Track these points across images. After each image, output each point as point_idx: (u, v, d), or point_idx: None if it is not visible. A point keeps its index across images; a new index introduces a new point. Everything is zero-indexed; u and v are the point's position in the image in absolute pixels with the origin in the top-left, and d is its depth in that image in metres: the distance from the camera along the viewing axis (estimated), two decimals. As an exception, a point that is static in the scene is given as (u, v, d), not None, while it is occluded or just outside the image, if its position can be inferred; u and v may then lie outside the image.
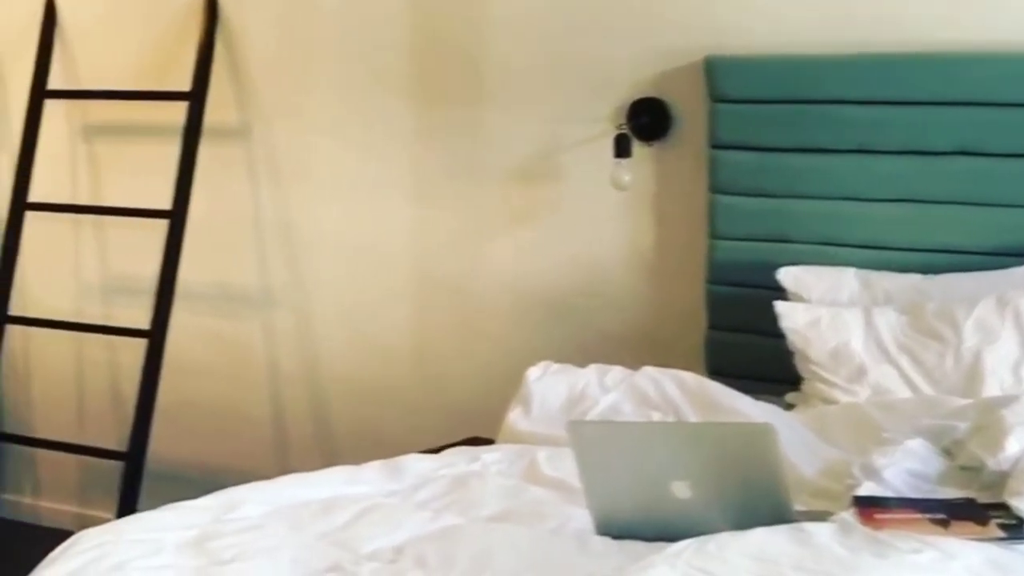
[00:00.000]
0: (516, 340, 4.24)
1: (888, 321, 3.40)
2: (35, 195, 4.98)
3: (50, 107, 4.99)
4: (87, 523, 5.16)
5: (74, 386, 5.13)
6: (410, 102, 4.41)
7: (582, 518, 2.64)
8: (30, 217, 5.00)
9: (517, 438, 3.28)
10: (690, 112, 3.94)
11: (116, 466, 4.75)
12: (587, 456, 2.61)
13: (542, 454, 3.03)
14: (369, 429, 4.54)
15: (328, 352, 4.63)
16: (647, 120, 3.98)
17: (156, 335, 4.64)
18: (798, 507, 2.60)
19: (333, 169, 4.58)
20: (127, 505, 4.61)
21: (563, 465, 2.92)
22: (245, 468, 4.77)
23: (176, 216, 4.67)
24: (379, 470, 2.98)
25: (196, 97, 4.66)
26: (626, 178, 3.95)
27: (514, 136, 4.23)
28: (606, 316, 4.10)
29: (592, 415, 3.25)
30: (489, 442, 4.01)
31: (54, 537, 5.02)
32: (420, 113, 4.40)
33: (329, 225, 4.59)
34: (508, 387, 4.20)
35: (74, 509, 5.14)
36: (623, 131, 3.96)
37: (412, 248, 4.45)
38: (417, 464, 3.04)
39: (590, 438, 2.62)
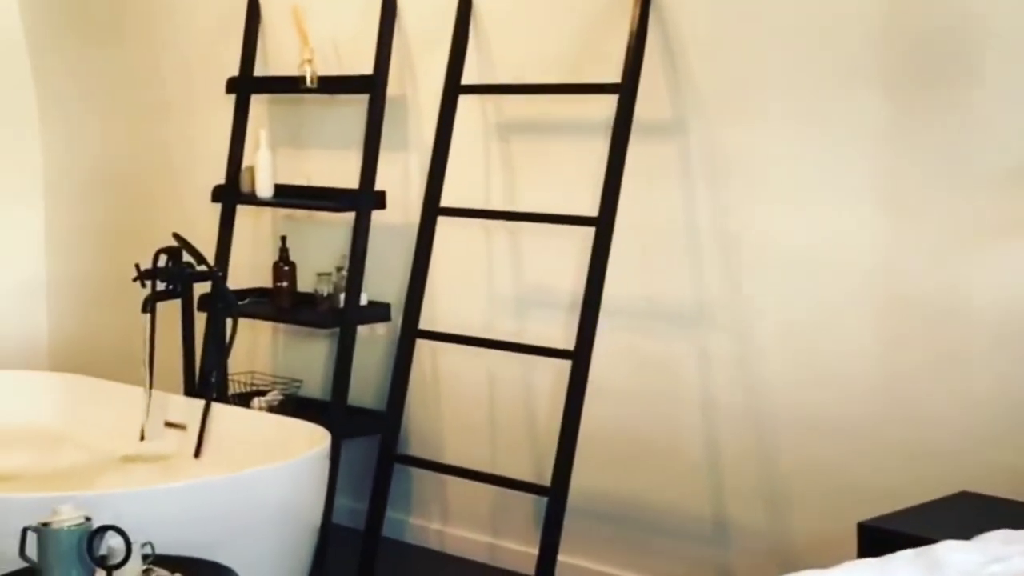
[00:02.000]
0: (1020, 377, 3.43)
1: None
2: (447, 198, 4.49)
3: (464, 103, 4.48)
4: (499, 556, 4.68)
5: (485, 406, 4.61)
6: (880, 89, 3.66)
7: None
8: (442, 222, 4.51)
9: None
10: None
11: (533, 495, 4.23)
12: None
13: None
14: (825, 474, 3.81)
15: (773, 381, 3.93)
16: None
17: (581, 357, 4.05)
18: None
19: (784, 170, 3.87)
20: (549, 543, 4.05)
21: None
22: (673, 508, 4.15)
23: (603, 223, 4.06)
24: (912, 563, 2.27)
25: (627, 90, 4.04)
26: None
27: (1016, 128, 3.43)
28: None
29: None
30: (989, 501, 3.26)
31: (463, 568, 4.59)
32: (893, 102, 3.64)
33: (777, 235, 3.89)
34: (1009, 433, 3.43)
35: (486, 539, 4.62)
36: None
37: (881, 264, 3.69)
38: (956, 555, 2.32)
39: None
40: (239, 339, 4.82)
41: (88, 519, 3.14)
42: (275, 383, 4.97)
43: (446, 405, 4.71)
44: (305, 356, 5.09)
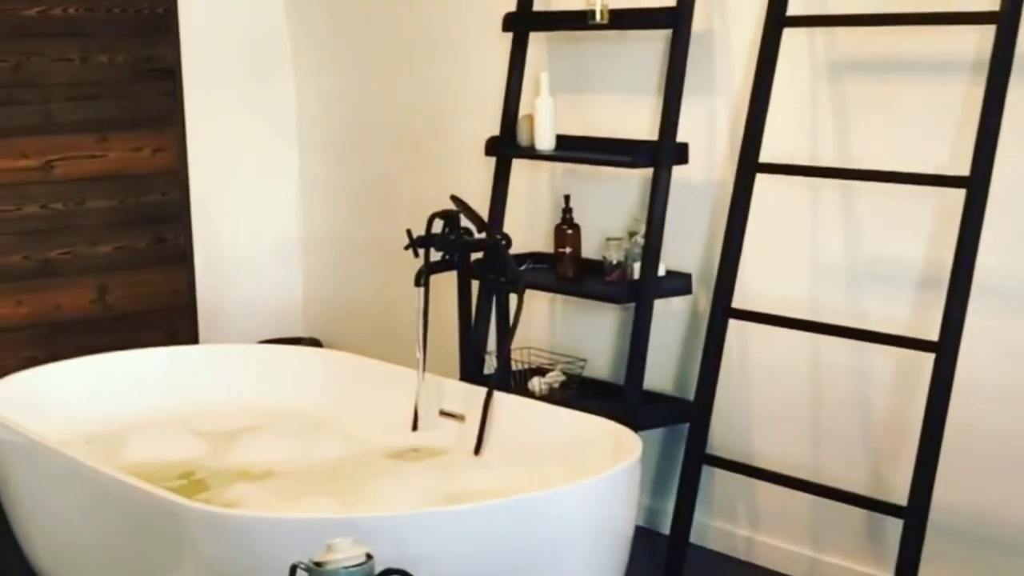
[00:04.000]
0: None
1: None
2: (764, 152, 3.71)
3: (788, 37, 3.68)
4: (823, 573, 3.93)
5: (806, 399, 3.82)
6: None
7: None
8: (760, 181, 3.73)
9: None
10: None
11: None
12: None
13: None
14: None
15: None
16: None
17: (947, 349, 3.23)
18: None
19: None
20: (906, 570, 3.26)
21: None
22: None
23: (976, 184, 3.22)
24: None
25: (1007, 18, 3.18)
26: None
27: None
28: None
29: None
30: None
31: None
32: None
33: None
34: None
35: (806, 552, 3.85)
36: None
37: None
38: None
39: None
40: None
41: (369, 557, 2.49)
42: (555, 361, 4.28)
43: (757, 395, 3.94)
44: (587, 330, 4.39)
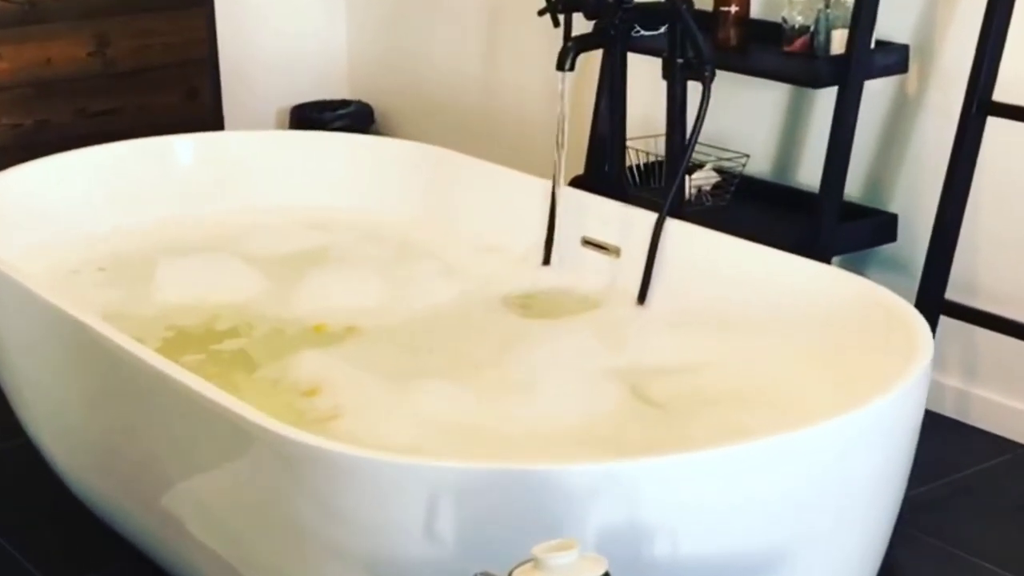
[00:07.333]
0: None
1: None
2: None
3: None
4: None
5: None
6: None
7: None
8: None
9: None
10: None
11: None
12: None
13: None
14: None
15: None
16: None
17: None
18: None
19: None
20: None
21: None
22: None
23: None
24: None
25: None
26: None
27: None
28: None
29: None
30: None
31: (1002, 451, 2.95)
32: None
33: None
34: None
35: (1040, 415, 2.93)
36: None
37: None
38: None
39: None
40: (641, 86, 3.07)
41: (606, 576, 1.52)
42: (706, 155, 3.24)
43: (985, 217, 2.93)
44: (743, 116, 3.33)
